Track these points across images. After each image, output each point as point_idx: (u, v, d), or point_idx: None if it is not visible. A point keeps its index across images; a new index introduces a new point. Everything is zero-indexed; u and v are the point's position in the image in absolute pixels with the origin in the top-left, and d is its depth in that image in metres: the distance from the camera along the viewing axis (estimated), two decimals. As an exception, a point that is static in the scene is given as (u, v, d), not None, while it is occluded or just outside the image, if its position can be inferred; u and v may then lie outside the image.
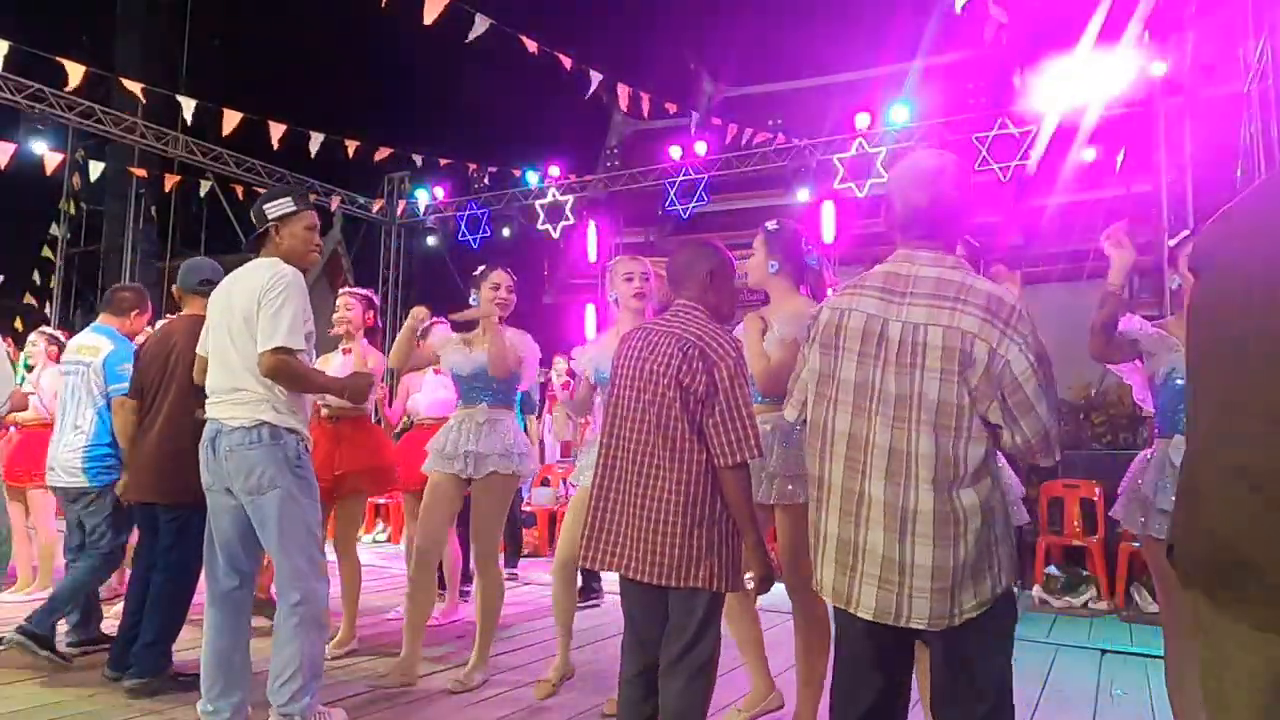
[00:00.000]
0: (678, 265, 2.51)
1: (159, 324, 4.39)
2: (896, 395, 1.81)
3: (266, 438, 2.84)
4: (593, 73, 9.00)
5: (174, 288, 3.89)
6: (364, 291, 4.57)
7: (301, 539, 2.87)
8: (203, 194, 12.22)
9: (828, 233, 10.61)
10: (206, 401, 3.00)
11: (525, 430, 6.13)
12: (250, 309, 2.86)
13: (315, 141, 10.38)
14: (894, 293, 1.87)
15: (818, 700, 2.93)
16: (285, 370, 2.81)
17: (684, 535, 2.24)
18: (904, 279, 1.88)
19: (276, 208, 3.02)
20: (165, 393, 3.63)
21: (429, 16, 7.06)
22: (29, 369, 5.61)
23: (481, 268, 3.84)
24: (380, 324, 4.66)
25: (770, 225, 3.10)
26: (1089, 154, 9.97)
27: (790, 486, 2.90)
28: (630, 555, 2.30)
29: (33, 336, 5.73)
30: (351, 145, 10.79)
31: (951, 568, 1.77)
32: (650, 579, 2.26)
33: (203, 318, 3.68)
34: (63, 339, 5.64)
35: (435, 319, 4.42)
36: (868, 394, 1.84)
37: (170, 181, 11.13)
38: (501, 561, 4.31)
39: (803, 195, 10.99)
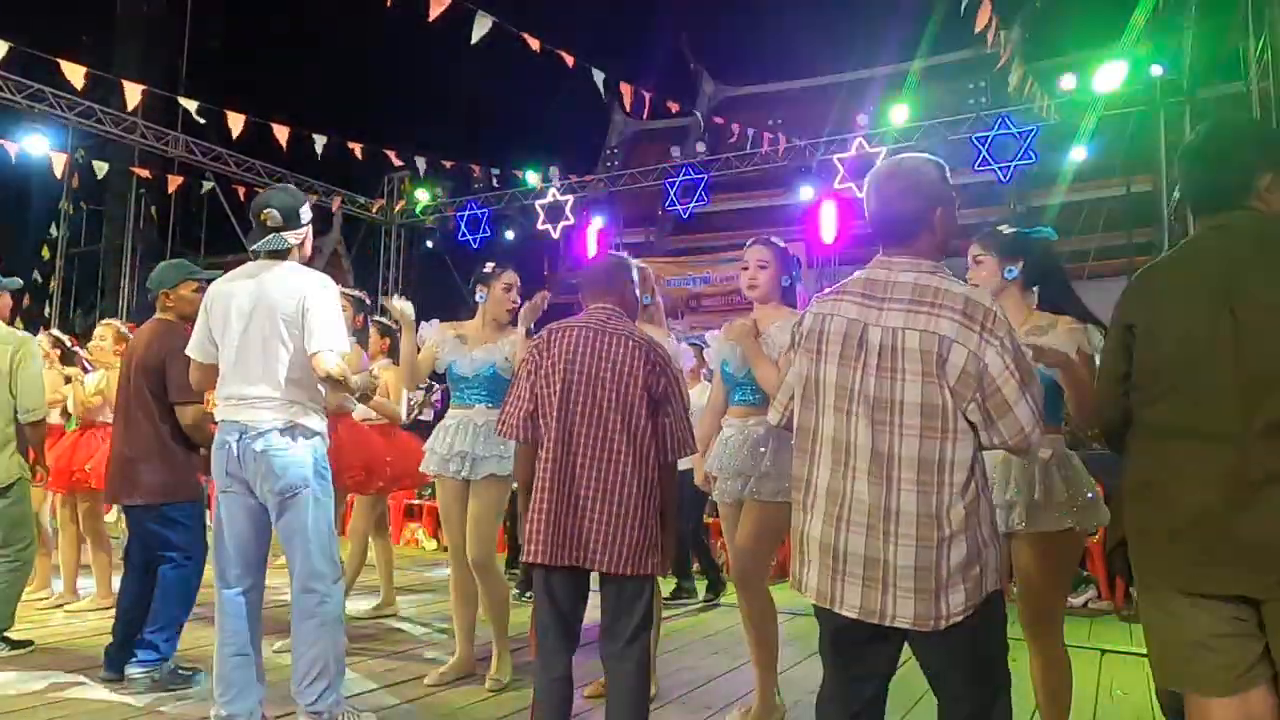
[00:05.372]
0: (596, 275, 2.67)
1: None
2: (876, 399, 1.83)
3: (299, 439, 2.85)
4: (594, 72, 8.99)
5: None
6: (355, 292, 4.55)
7: (325, 540, 2.90)
8: (204, 195, 12.22)
9: (828, 233, 10.62)
10: (219, 405, 2.92)
11: None
12: (294, 314, 2.83)
13: (316, 142, 10.39)
14: (873, 298, 1.89)
15: (774, 682, 3.13)
16: (339, 373, 2.85)
17: (642, 525, 2.40)
18: (882, 284, 1.90)
19: (308, 212, 3.03)
20: (133, 394, 3.64)
21: (432, 14, 7.05)
22: None
23: (491, 265, 3.77)
24: (369, 325, 4.65)
25: (781, 243, 3.22)
26: (1089, 154, 9.97)
27: (784, 484, 2.97)
28: (594, 547, 2.39)
29: (40, 338, 5.73)
30: (352, 146, 10.80)
31: (934, 569, 1.78)
32: (614, 568, 2.37)
33: (162, 319, 3.70)
34: (67, 341, 5.65)
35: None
36: (849, 397, 1.87)
37: (174, 183, 11.14)
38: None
39: (803, 195, 11.00)
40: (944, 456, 1.79)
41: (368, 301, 4.60)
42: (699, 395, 5.34)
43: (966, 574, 1.80)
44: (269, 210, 2.91)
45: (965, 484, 1.81)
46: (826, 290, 2.02)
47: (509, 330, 3.72)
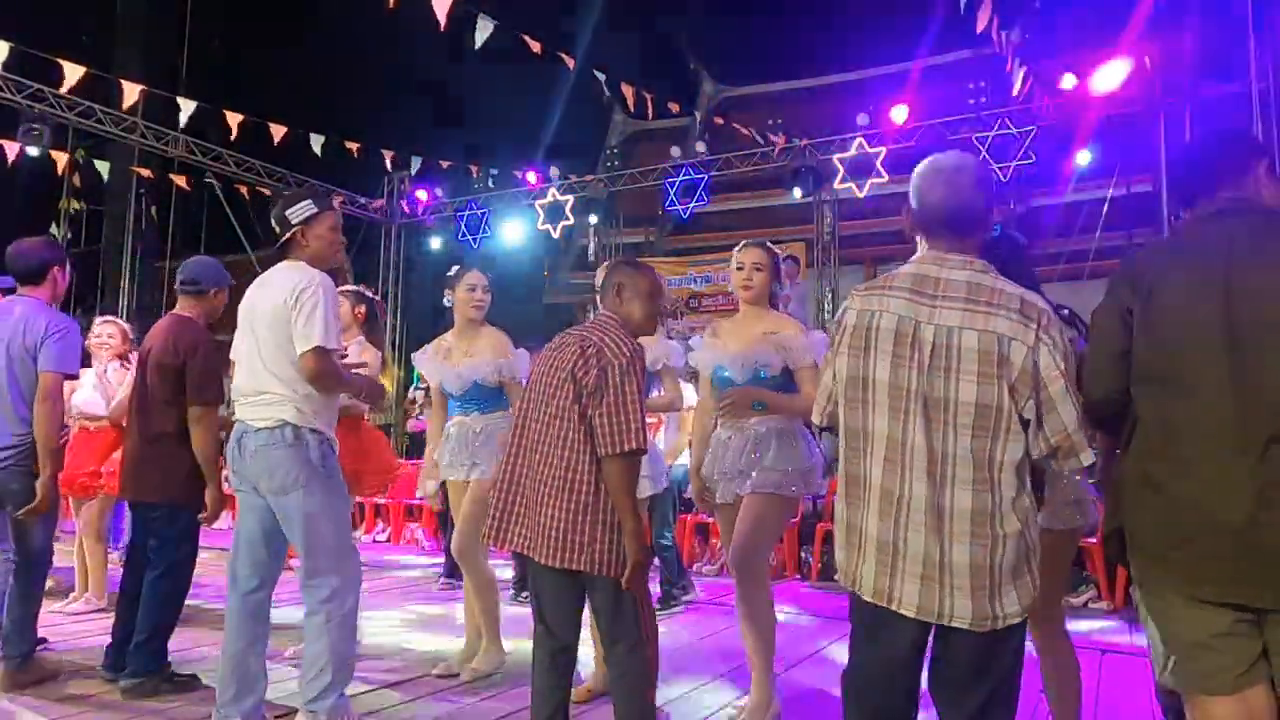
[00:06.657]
0: (603, 280, 2.74)
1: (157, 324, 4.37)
2: (931, 397, 1.82)
3: (290, 438, 2.86)
4: (594, 73, 9.00)
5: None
6: (355, 287, 4.54)
7: (327, 538, 2.90)
8: (204, 194, 12.22)
9: (827, 232, 10.62)
10: (235, 403, 3.03)
11: None
12: (278, 312, 2.88)
13: (315, 142, 10.39)
14: (923, 295, 1.88)
15: (771, 679, 3.08)
16: (323, 370, 2.86)
17: (566, 519, 2.39)
18: (933, 281, 1.89)
19: (298, 212, 3.00)
20: (148, 391, 3.64)
21: (443, 23, 7.05)
22: None
23: (455, 268, 3.83)
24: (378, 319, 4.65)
25: (775, 249, 3.27)
26: (1088, 154, 9.97)
27: (785, 478, 3.02)
28: (528, 535, 2.47)
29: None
30: (352, 146, 10.79)
31: (989, 567, 1.78)
32: (544, 559, 2.42)
33: (182, 316, 3.72)
34: None
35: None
36: (903, 395, 1.85)
37: (180, 182, 11.14)
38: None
39: (802, 195, 11.00)
40: (993, 456, 1.80)
41: (369, 294, 4.58)
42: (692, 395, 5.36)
43: (1018, 576, 1.81)
44: (275, 219, 3.05)
45: (1015, 485, 1.81)
46: (863, 285, 2.01)
47: (482, 329, 3.74)
